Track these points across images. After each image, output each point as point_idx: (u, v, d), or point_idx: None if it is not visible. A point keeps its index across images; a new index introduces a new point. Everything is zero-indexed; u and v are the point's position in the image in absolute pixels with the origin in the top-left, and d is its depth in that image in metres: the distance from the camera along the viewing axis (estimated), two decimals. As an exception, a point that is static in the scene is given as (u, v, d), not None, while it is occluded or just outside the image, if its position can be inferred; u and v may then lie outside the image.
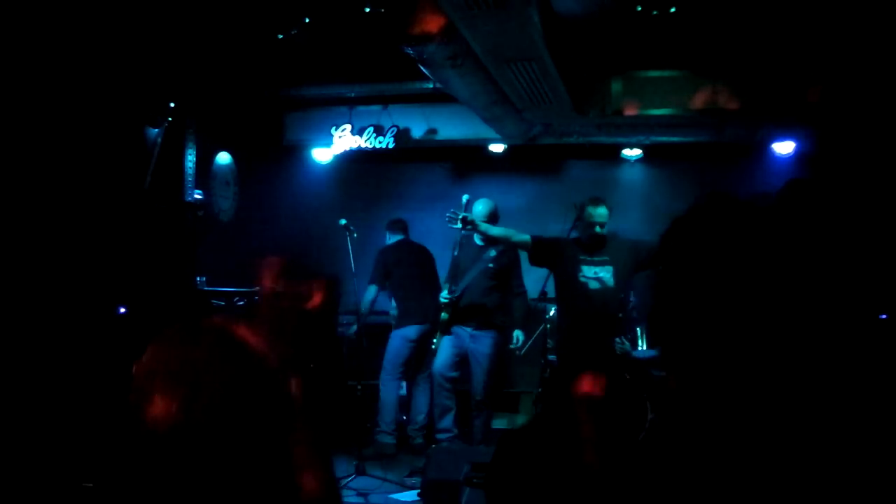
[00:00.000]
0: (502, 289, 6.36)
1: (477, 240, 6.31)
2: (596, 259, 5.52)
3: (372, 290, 6.79)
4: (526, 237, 5.66)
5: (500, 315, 6.38)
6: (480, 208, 6.24)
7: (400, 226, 7.09)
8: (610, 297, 5.46)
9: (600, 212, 5.52)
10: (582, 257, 5.54)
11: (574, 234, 5.75)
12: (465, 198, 5.90)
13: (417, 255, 7.00)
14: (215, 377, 1.10)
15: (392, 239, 7.01)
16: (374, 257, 7.02)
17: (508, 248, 6.21)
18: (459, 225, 5.65)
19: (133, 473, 1.10)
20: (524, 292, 6.49)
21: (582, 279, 5.48)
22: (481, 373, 6.25)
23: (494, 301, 6.33)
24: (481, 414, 6.33)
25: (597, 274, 5.49)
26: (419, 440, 6.70)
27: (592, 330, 5.48)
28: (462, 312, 6.28)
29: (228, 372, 1.12)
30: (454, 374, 6.35)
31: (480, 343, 6.27)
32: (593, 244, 5.52)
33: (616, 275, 5.48)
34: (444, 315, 6.31)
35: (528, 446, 2.43)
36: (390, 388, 6.67)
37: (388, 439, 6.61)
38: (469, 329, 6.30)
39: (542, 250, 5.66)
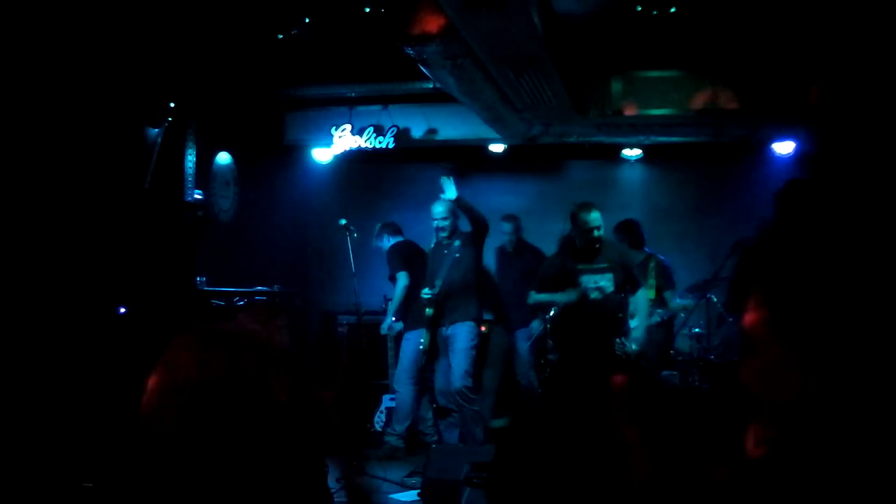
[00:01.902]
0: (474, 277, 6.32)
1: (443, 235, 6.32)
2: (594, 267, 5.53)
3: (405, 277, 6.64)
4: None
5: (475, 304, 6.34)
6: (446, 206, 6.27)
7: (396, 227, 7.08)
8: (610, 302, 5.49)
9: (594, 216, 5.49)
10: (580, 267, 5.54)
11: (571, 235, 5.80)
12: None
13: (425, 258, 6.98)
14: (236, 383, 1.09)
15: (394, 239, 6.97)
16: (372, 256, 7.01)
17: (476, 237, 6.24)
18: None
19: (136, 475, 1.10)
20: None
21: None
22: (459, 366, 6.16)
23: (469, 291, 6.28)
24: (467, 407, 6.23)
25: (597, 283, 5.51)
26: (434, 437, 6.69)
27: (593, 334, 5.51)
28: (443, 308, 6.24)
29: (250, 378, 1.11)
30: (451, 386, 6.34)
31: (458, 337, 6.20)
32: (590, 251, 5.52)
33: (615, 280, 5.51)
34: (429, 311, 6.27)
35: (529, 446, 2.43)
36: (407, 392, 6.55)
37: (400, 443, 6.59)
38: (447, 325, 6.25)
39: (547, 286, 5.79)
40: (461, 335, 6.19)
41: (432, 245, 6.49)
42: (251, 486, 1.08)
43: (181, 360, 1.12)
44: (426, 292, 6.27)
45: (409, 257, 6.78)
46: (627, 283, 5.63)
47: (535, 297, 5.85)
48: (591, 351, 5.29)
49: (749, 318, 1.09)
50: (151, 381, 1.12)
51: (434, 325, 6.29)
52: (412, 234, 7.15)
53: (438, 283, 6.24)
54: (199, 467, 1.07)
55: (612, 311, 5.49)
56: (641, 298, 5.69)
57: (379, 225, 7.10)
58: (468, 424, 6.29)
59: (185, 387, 1.09)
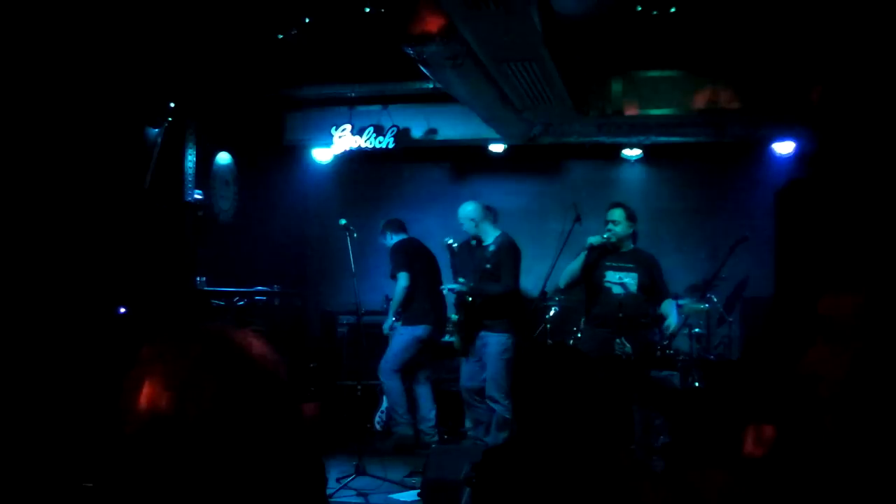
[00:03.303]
0: (504, 285, 6.31)
1: (473, 240, 6.33)
2: (621, 265, 5.63)
3: (405, 277, 6.62)
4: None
5: (507, 312, 6.29)
6: (471, 209, 6.26)
7: (400, 225, 7.06)
8: (632, 302, 5.54)
9: (611, 212, 5.68)
10: (608, 262, 5.66)
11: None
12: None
13: (429, 256, 6.97)
14: (210, 378, 1.09)
15: (397, 237, 6.95)
16: (372, 256, 7.00)
17: (506, 248, 6.22)
18: None
19: (130, 473, 1.09)
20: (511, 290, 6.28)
21: (606, 284, 5.62)
22: (491, 373, 6.17)
23: (499, 299, 6.24)
24: (497, 412, 6.20)
25: (621, 279, 5.62)
26: (434, 438, 6.67)
27: (603, 332, 5.56)
28: (474, 310, 6.22)
29: (224, 374, 1.10)
30: (477, 384, 6.30)
31: (489, 343, 6.21)
32: (613, 247, 5.64)
33: (639, 280, 5.59)
34: (454, 317, 6.30)
35: (509, 451, 2.44)
36: (395, 381, 6.59)
37: (408, 430, 6.58)
38: (480, 332, 6.25)
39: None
40: (492, 343, 6.16)
41: (454, 242, 6.45)
42: (245, 488, 1.08)
43: (155, 357, 1.12)
44: (461, 281, 6.16)
45: (412, 256, 6.78)
46: (651, 290, 5.70)
47: (563, 275, 5.87)
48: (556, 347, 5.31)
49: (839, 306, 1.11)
50: (128, 380, 1.12)
51: (464, 330, 6.26)
52: (413, 234, 7.15)
53: (462, 281, 6.21)
54: (188, 467, 1.07)
55: (633, 310, 5.54)
56: (668, 304, 5.74)
57: (383, 222, 7.09)
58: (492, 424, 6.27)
59: (161, 386, 1.09)
